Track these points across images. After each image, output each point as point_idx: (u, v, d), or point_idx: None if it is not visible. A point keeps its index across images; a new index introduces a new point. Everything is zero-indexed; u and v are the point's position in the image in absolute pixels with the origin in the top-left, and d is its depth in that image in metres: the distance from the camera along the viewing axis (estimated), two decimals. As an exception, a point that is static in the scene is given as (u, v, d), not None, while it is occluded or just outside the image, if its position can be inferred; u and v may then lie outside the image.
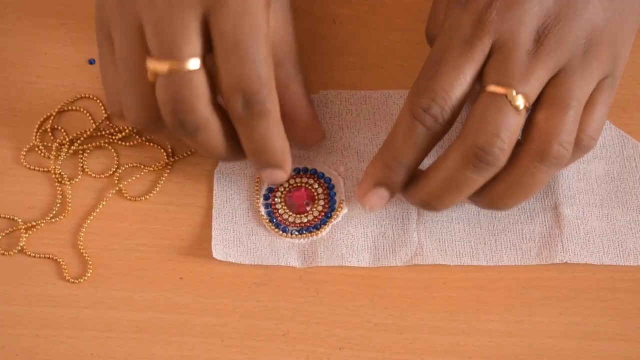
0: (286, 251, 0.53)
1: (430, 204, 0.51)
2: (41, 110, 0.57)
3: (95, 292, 0.52)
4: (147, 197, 0.54)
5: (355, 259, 0.53)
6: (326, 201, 0.55)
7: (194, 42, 0.48)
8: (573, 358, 0.51)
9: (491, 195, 0.51)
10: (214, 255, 0.53)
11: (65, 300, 0.52)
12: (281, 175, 0.52)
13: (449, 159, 0.49)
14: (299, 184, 0.55)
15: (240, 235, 0.54)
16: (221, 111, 0.50)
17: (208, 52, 0.48)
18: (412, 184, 0.51)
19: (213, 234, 0.53)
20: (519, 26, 0.49)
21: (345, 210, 0.54)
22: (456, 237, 0.54)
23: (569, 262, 0.53)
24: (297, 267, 0.53)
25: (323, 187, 0.55)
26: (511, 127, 0.48)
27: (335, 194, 0.55)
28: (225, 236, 0.54)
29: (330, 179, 0.55)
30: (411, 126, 0.49)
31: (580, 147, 0.50)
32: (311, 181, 0.55)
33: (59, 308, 0.52)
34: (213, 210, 0.54)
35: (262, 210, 0.54)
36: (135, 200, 0.55)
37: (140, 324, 0.52)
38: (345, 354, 0.51)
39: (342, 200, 0.55)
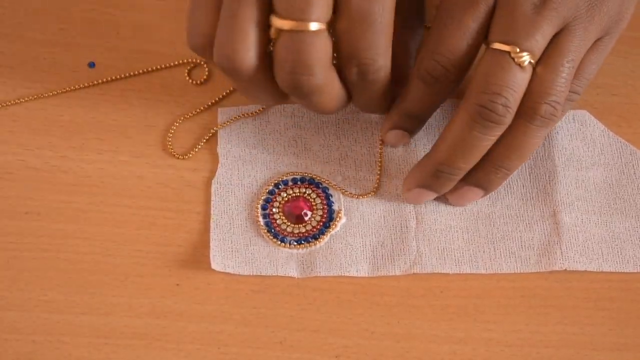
0: (285, 261, 0.53)
1: (443, 171, 0.51)
2: (39, 115, 0.57)
3: (91, 298, 0.52)
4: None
5: (354, 269, 0.53)
6: (324, 211, 0.54)
7: (324, 6, 0.46)
8: (571, 368, 0.51)
9: (490, 159, 0.51)
10: (213, 267, 0.52)
11: (61, 305, 0.52)
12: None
13: (456, 121, 0.50)
14: (297, 194, 0.55)
15: (238, 245, 0.54)
16: (334, 73, 0.49)
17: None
18: (424, 157, 0.53)
19: (211, 244, 0.53)
20: None
21: (343, 220, 0.54)
22: (455, 246, 0.54)
23: (568, 269, 0.53)
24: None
25: (321, 197, 0.55)
26: (515, 84, 0.48)
27: (333, 203, 0.55)
28: (224, 247, 0.53)
29: (328, 189, 0.55)
30: (418, 85, 0.51)
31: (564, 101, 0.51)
32: (309, 191, 0.55)
33: (55, 314, 0.52)
34: (211, 221, 0.54)
35: (261, 220, 0.54)
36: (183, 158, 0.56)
37: (136, 331, 0.52)
38: (342, 362, 0.51)
39: (340, 210, 0.54)
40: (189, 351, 0.51)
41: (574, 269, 0.53)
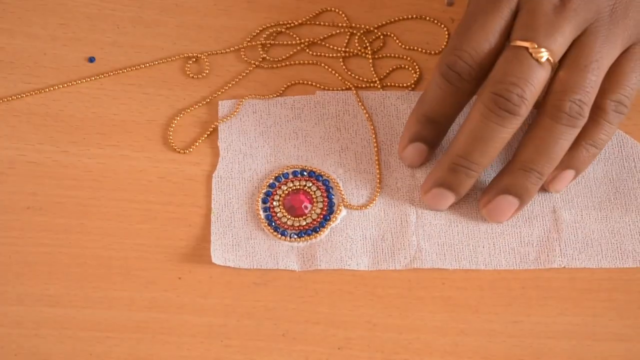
0: (285, 254, 0.53)
1: (459, 164, 0.51)
2: (40, 110, 0.57)
3: (94, 292, 0.52)
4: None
5: (354, 262, 0.53)
6: (324, 204, 0.55)
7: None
8: (572, 358, 0.51)
9: (518, 161, 0.51)
10: (213, 260, 0.53)
11: (64, 300, 0.52)
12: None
13: (473, 112, 0.50)
14: (297, 187, 0.55)
15: (239, 239, 0.54)
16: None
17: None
18: (443, 153, 0.53)
19: (212, 238, 0.53)
20: None
21: (343, 213, 0.54)
22: (455, 241, 0.54)
23: (567, 266, 0.53)
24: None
25: (321, 190, 0.55)
26: (532, 78, 0.49)
27: (333, 196, 0.55)
28: (224, 241, 0.53)
29: (328, 181, 0.55)
30: (439, 83, 0.51)
31: (606, 111, 0.51)
32: (309, 184, 0.55)
33: (58, 308, 0.52)
34: (212, 215, 0.54)
35: (261, 213, 0.54)
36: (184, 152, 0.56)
37: (139, 324, 0.52)
38: (345, 354, 0.51)
39: (341, 202, 0.54)
40: (192, 344, 0.51)
41: (573, 267, 0.53)
